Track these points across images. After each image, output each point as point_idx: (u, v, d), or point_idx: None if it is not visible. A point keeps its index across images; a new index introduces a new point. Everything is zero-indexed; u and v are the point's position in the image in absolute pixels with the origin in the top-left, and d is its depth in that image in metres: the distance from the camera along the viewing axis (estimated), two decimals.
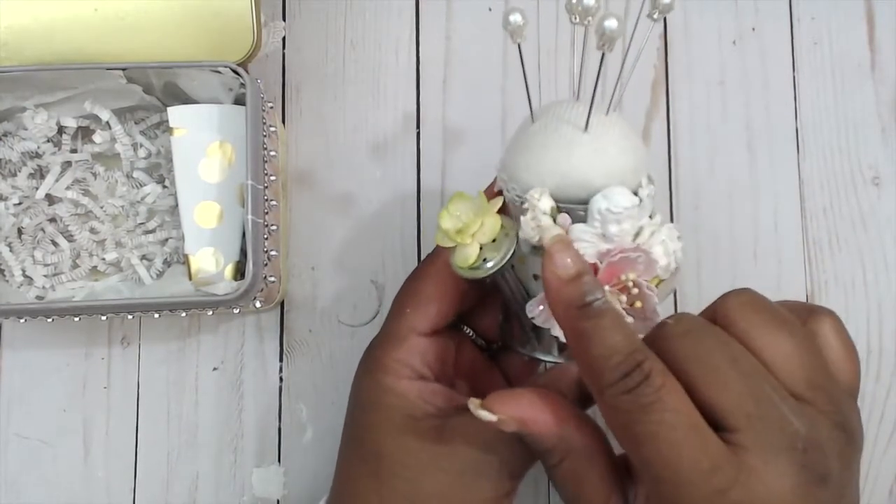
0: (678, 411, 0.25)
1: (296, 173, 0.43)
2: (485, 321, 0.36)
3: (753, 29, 0.44)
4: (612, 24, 0.27)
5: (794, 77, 0.44)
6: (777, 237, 0.42)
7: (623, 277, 0.29)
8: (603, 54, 0.28)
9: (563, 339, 0.30)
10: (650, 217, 0.30)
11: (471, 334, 0.36)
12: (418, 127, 0.43)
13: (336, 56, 0.44)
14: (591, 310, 0.26)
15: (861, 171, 0.43)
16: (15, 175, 0.39)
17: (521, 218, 0.29)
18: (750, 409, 0.25)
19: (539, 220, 0.29)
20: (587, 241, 0.29)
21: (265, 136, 0.36)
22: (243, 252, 0.37)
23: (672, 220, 0.42)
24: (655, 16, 0.30)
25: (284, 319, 0.42)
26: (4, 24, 0.37)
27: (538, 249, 0.29)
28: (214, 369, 0.41)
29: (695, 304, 0.41)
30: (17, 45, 0.37)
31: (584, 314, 0.26)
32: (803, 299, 0.42)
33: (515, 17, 0.28)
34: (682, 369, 0.25)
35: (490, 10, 0.44)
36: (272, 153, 0.37)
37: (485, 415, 0.27)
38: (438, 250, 0.34)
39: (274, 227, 0.37)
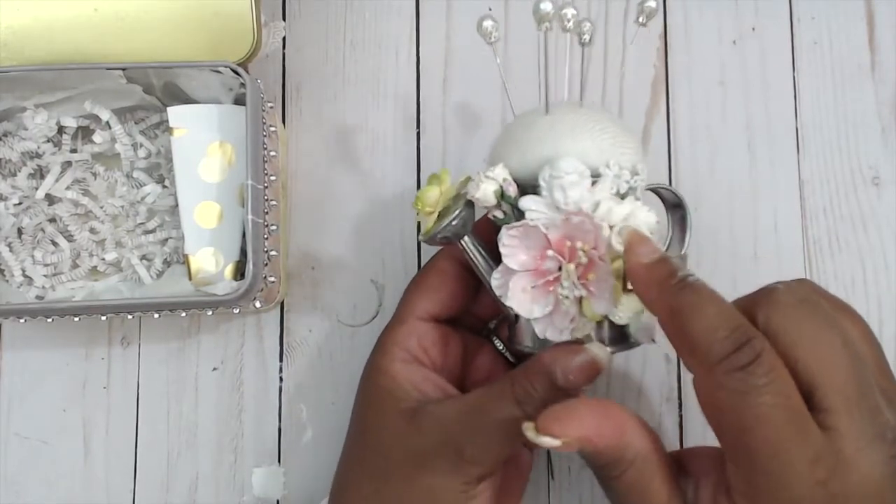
0: (789, 396, 0.24)
1: (296, 173, 0.43)
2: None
3: (753, 29, 0.44)
4: (546, 6, 0.30)
5: (794, 77, 0.44)
6: (777, 237, 0.42)
7: (568, 244, 0.29)
8: (583, 51, 0.32)
9: (517, 310, 0.31)
10: (621, 197, 0.31)
11: (501, 347, 0.36)
12: (418, 127, 0.43)
13: (336, 56, 0.44)
14: (688, 283, 0.26)
15: (861, 171, 0.43)
16: (15, 175, 0.39)
17: (472, 179, 0.31)
18: (851, 394, 0.24)
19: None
20: (537, 211, 0.30)
21: (265, 136, 0.36)
22: (243, 252, 0.37)
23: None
24: (642, 20, 0.33)
25: (284, 319, 0.42)
26: (4, 24, 0.37)
27: (506, 217, 0.31)
28: (214, 369, 0.41)
29: None
30: (17, 45, 0.37)
31: (681, 289, 0.26)
32: None
33: (487, 23, 0.32)
34: (789, 341, 0.25)
35: (490, 9, 0.44)
36: (272, 153, 0.37)
37: (547, 441, 0.26)
38: (444, 249, 0.35)
39: (274, 227, 0.37)
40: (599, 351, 0.29)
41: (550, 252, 0.30)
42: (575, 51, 0.32)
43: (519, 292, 0.30)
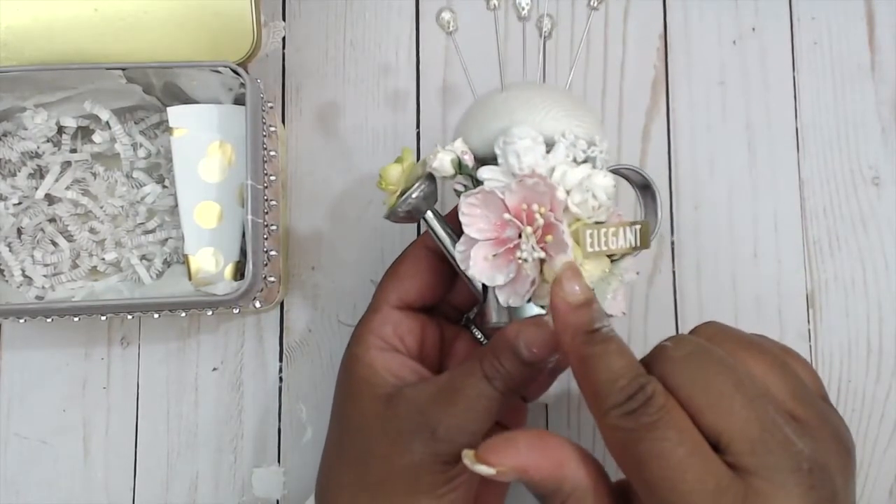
0: (681, 430, 0.25)
1: (296, 173, 0.43)
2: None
3: (753, 29, 0.44)
4: None
5: (794, 77, 0.44)
6: (777, 237, 0.42)
7: (525, 208, 0.29)
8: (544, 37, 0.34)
9: (480, 280, 0.31)
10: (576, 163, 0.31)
11: (479, 336, 0.36)
12: (418, 127, 0.43)
13: (336, 56, 0.44)
14: (598, 335, 0.27)
15: (861, 171, 0.43)
16: (15, 175, 0.39)
17: (433, 152, 0.32)
18: (755, 434, 0.25)
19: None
20: (493, 179, 0.30)
21: (265, 136, 0.36)
22: (243, 252, 0.37)
23: (672, 220, 0.42)
24: (594, 4, 0.34)
25: (284, 319, 0.42)
26: (4, 24, 0.37)
27: (466, 190, 0.32)
28: (214, 369, 0.41)
29: (695, 303, 0.41)
30: (17, 45, 0.37)
31: (591, 339, 0.27)
32: (803, 299, 0.42)
33: (446, 15, 0.34)
34: (685, 395, 0.25)
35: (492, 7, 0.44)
36: (272, 153, 0.37)
37: (483, 469, 0.26)
38: (417, 239, 0.36)
39: (274, 227, 0.37)
40: None
41: (507, 216, 0.30)
42: (536, 39, 0.34)
43: (481, 261, 0.31)
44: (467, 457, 0.27)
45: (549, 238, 0.29)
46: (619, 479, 0.28)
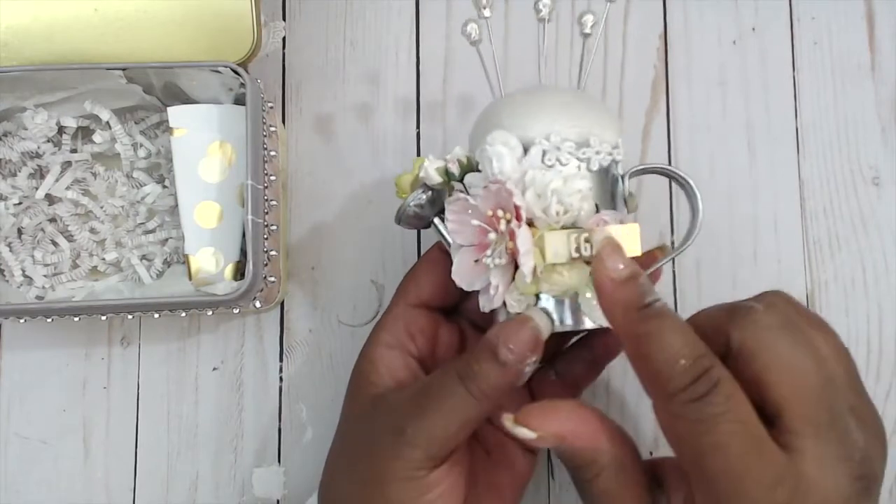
0: (747, 423, 0.24)
1: (296, 173, 0.43)
2: None
3: (753, 29, 0.44)
4: None
5: (794, 77, 0.44)
6: (777, 237, 0.42)
7: (490, 213, 0.29)
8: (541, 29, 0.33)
9: (459, 285, 0.31)
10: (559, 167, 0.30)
11: None
12: (418, 127, 0.43)
13: (336, 56, 0.44)
14: (652, 310, 0.25)
15: (861, 171, 0.43)
16: (15, 175, 0.39)
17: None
18: (821, 420, 0.24)
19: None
20: (476, 186, 0.31)
21: (265, 136, 0.36)
22: (243, 252, 0.37)
23: (671, 220, 0.42)
24: None
25: (284, 319, 0.42)
26: (4, 24, 0.37)
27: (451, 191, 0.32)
28: (214, 369, 0.41)
29: (694, 303, 0.41)
30: (17, 45, 0.37)
31: (645, 316, 0.25)
32: (803, 299, 0.42)
33: (469, 27, 0.33)
34: (762, 364, 0.25)
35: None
36: (272, 153, 0.37)
37: (523, 432, 0.26)
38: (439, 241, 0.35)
39: (274, 227, 0.37)
40: (540, 321, 0.29)
41: (476, 222, 0.30)
42: (543, 36, 0.33)
43: (462, 266, 0.31)
44: (507, 420, 0.26)
45: (510, 244, 0.29)
46: (649, 459, 0.28)
